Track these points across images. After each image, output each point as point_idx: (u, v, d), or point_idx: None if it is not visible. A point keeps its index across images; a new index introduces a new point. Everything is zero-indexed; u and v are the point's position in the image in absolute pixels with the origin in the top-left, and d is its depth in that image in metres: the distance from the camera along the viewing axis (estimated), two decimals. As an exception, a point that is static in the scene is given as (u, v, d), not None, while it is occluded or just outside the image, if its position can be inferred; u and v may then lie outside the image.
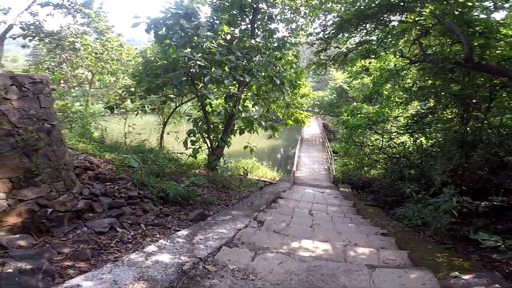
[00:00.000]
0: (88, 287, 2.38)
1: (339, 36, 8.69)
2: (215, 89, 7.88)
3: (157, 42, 6.40)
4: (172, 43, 6.27)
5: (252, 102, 9.13)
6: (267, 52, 7.38)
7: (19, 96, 3.51)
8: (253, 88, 8.82)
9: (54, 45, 11.60)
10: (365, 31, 8.22)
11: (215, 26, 6.39)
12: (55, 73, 11.34)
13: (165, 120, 9.62)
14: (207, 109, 8.13)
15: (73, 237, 3.55)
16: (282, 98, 9.39)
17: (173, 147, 8.67)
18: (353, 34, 8.61)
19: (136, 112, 7.35)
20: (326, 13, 8.79)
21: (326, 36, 8.76)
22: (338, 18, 7.98)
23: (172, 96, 6.13)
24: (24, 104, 3.54)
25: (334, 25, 8.28)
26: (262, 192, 7.18)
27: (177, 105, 9.23)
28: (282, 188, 8.44)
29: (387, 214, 6.72)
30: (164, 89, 6.46)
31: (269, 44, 7.22)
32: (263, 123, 8.71)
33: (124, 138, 5.54)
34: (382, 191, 8.22)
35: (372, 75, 9.99)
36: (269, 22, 8.66)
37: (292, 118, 9.93)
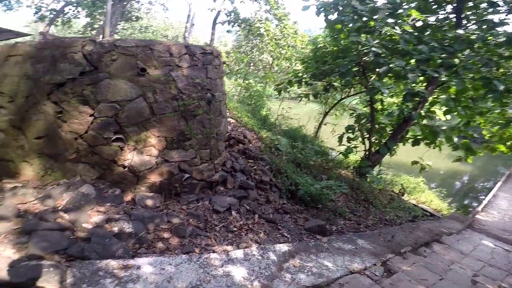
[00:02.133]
0: (145, 273, 2.45)
1: None
2: (392, 84, 6.31)
3: (327, 27, 5.74)
4: (343, 27, 5.38)
5: (444, 108, 6.73)
6: (484, 48, 4.95)
7: (189, 65, 3.90)
8: (450, 91, 6.43)
9: (247, 30, 13.16)
10: None
11: (400, 10, 4.86)
12: (248, 56, 13.10)
13: (327, 110, 9.04)
14: (375, 106, 6.76)
15: (192, 208, 3.84)
16: (499, 111, 6.37)
17: (327, 139, 8.06)
18: None
19: (300, 98, 7.23)
20: None
21: None
22: None
23: (336, 84, 5.46)
24: (192, 73, 3.91)
25: None
26: (415, 225, 5.35)
27: (342, 96, 8.35)
28: (447, 229, 6.01)
29: None
30: (330, 76, 5.85)
31: (489, 38, 4.77)
32: (455, 139, 6.30)
33: (276, 120, 5.52)
34: None
35: None
36: (488, 11, 5.71)
37: (509, 143, 6.61)
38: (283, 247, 3.25)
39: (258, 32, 12.93)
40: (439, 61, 4.86)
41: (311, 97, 7.47)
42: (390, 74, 5.19)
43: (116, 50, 3.46)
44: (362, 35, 5.11)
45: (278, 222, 4.21)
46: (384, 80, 5.97)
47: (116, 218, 3.20)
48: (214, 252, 3.16)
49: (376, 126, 7.04)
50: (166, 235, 3.26)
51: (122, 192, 3.67)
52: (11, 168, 3.65)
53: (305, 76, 6.34)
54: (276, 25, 13.17)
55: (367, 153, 7.17)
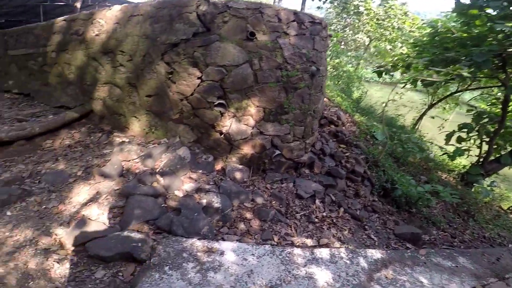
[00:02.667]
0: (227, 262, 2.37)
1: None
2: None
3: (455, 11, 4.54)
4: (482, 13, 4.23)
5: None
6: None
7: (297, 33, 3.56)
8: None
9: (341, 8, 11.90)
10: None
11: None
12: (339, 34, 11.97)
13: (433, 102, 7.62)
14: (508, 107, 5.34)
15: (276, 188, 3.67)
16: None
17: (427, 134, 6.86)
18: None
19: (403, 84, 6.17)
20: None
21: None
22: None
23: (465, 74, 4.40)
24: (299, 42, 3.57)
25: None
26: None
27: (458, 89, 6.83)
28: None
29: None
30: (455, 65, 4.74)
31: None
32: None
33: (384, 105, 4.80)
34: None
35: None
36: None
37: None
38: (376, 254, 2.85)
39: (355, 11, 11.62)
40: None
41: (419, 85, 6.31)
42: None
43: (228, 11, 3.30)
44: (509, 23, 3.93)
45: (364, 221, 3.76)
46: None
47: (206, 189, 3.24)
48: (293, 244, 2.99)
49: (503, 130, 5.58)
50: (248, 215, 3.18)
51: (214, 159, 3.70)
52: (122, 122, 4.02)
53: (415, 61, 5.30)
54: (379, 5, 11.60)
55: (481, 159, 5.84)
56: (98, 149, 3.70)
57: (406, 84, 6.40)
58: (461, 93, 7.24)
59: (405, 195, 4.25)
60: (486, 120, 5.84)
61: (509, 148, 5.80)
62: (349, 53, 12.37)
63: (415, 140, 5.95)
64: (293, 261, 2.50)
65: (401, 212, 4.29)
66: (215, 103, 3.44)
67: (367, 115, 6.38)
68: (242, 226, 3.01)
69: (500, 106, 5.70)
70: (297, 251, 2.60)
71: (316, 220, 3.43)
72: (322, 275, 2.42)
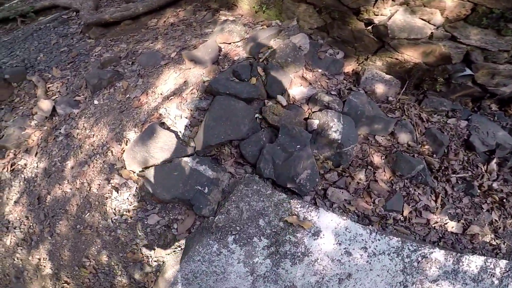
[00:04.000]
0: (318, 250, 1.61)
1: None
2: None
3: None
4: None
5: None
6: None
7: None
8: None
9: None
10: None
11: None
12: None
13: None
14: None
15: (436, 123, 2.36)
16: None
17: None
18: None
19: None
20: None
21: None
22: None
23: None
24: None
25: None
26: None
27: None
28: None
29: None
30: None
31: None
32: None
33: None
34: None
35: None
36: None
37: None
38: None
39: None
40: None
41: None
42: None
43: None
44: None
45: None
46: None
47: (323, 102, 2.15)
48: (428, 224, 2.00)
49: None
50: (377, 159, 2.12)
51: (345, 58, 2.42)
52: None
53: None
54: None
55: None
56: (200, 28, 3.03)
57: None
58: None
59: None
60: None
61: None
62: None
63: None
64: (422, 271, 1.58)
65: None
66: None
67: None
68: (361, 176, 2.04)
69: None
70: (437, 254, 1.62)
71: (478, 191, 2.19)
72: None
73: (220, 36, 2.62)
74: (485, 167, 2.30)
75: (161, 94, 2.37)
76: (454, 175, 2.20)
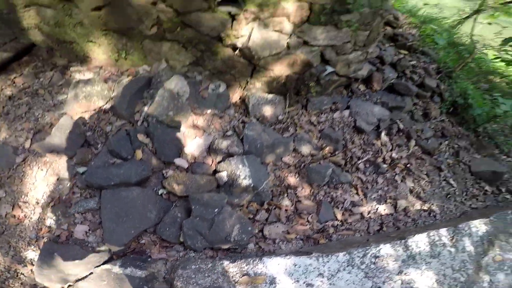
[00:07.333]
0: None
1: None
2: None
3: None
4: None
5: None
6: None
7: None
8: None
9: None
10: None
11: None
12: None
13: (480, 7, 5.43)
14: None
15: (326, 122, 2.44)
16: None
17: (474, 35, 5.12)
18: None
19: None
20: None
21: None
22: None
23: None
24: None
25: None
26: None
27: None
28: None
29: None
30: None
31: None
32: None
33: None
34: None
35: None
36: None
37: None
38: (480, 226, 1.95)
39: None
40: None
41: None
42: None
43: None
44: None
45: (435, 155, 2.68)
46: None
47: (221, 148, 2.01)
48: (363, 217, 2.06)
49: None
50: (292, 180, 2.09)
51: (227, 88, 2.35)
52: (78, 51, 2.44)
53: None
54: None
55: None
56: (50, 96, 2.28)
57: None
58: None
59: (483, 115, 2.99)
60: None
61: None
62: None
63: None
64: (383, 269, 1.58)
65: (469, 134, 3.13)
66: (218, 0, 1.81)
67: (417, 17, 4.57)
68: (286, 203, 1.98)
69: None
70: (384, 250, 1.64)
71: (385, 166, 2.37)
72: (423, 280, 1.55)
73: (78, 105, 2.08)
74: (379, 142, 2.52)
75: (37, 203, 1.83)
76: (360, 161, 2.33)
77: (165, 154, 1.93)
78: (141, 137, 1.95)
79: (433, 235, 1.74)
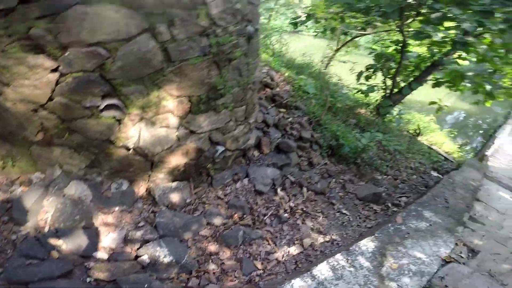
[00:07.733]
0: None
1: None
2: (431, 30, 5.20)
3: None
4: None
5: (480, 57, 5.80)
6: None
7: None
8: (485, 40, 5.39)
9: None
10: None
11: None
12: None
13: (338, 46, 7.76)
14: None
15: (230, 194, 2.74)
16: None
17: (334, 75, 6.97)
18: None
19: (315, 34, 5.68)
20: None
21: None
22: None
23: (377, 23, 4.39)
24: None
25: None
26: (451, 181, 4.60)
27: (356, 34, 7.02)
28: (472, 180, 5.35)
29: None
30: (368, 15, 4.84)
31: None
32: (488, 86, 5.54)
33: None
34: None
35: None
36: None
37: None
38: (368, 244, 2.36)
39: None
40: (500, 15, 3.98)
41: (328, 33, 6.08)
42: (440, 21, 4.26)
43: None
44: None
45: (327, 194, 3.27)
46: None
47: (137, 238, 2.06)
48: (278, 262, 2.28)
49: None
50: (212, 247, 2.26)
51: (131, 184, 2.35)
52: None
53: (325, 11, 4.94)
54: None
55: (388, 93, 6.22)
56: None
57: (317, 34, 5.97)
58: (359, 37, 7.52)
59: (353, 150, 3.92)
60: (384, 60, 6.19)
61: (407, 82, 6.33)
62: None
63: (335, 86, 5.77)
64: None
65: (350, 167, 3.98)
66: (101, 107, 2.00)
67: (291, 68, 5.82)
68: (212, 266, 2.10)
69: (393, 47, 6.17)
70: (297, 282, 1.84)
71: (286, 215, 2.74)
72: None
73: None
74: (277, 197, 2.92)
75: None
76: (265, 217, 2.62)
77: (82, 250, 1.92)
78: (53, 241, 1.90)
79: (331, 261, 2.05)
